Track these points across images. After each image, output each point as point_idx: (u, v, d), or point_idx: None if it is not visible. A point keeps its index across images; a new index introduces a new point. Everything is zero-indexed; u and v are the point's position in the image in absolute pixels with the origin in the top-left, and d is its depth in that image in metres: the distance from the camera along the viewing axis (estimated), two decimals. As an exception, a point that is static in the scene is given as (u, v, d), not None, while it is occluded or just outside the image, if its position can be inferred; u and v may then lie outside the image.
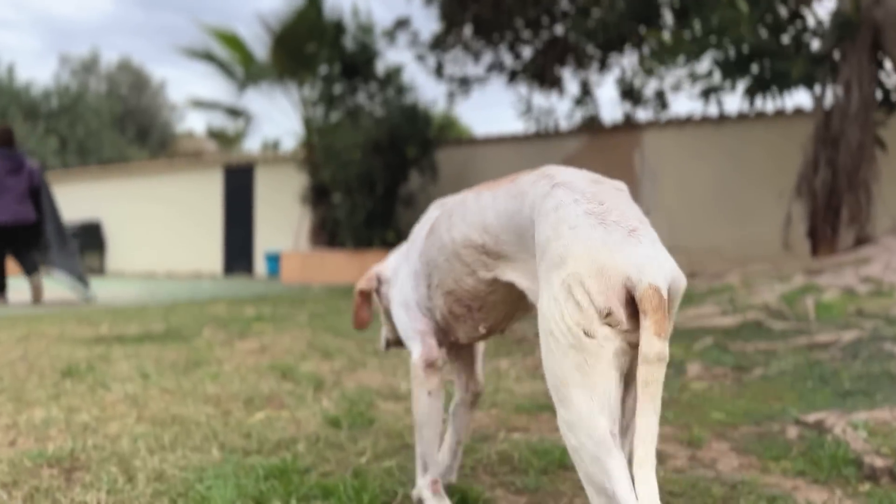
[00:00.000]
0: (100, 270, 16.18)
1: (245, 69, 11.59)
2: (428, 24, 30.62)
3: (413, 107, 11.20)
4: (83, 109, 31.76)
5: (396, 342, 1.77)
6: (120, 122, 35.41)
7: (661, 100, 11.01)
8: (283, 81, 11.76)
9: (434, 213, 1.57)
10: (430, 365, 1.49)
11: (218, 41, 11.19)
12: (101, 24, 66.30)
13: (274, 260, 13.56)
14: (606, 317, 0.94)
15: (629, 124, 11.35)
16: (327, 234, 11.85)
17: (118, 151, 31.80)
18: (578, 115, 12.04)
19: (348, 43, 11.78)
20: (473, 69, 12.29)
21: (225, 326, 4.75)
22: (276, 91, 11.90)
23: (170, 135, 40.79)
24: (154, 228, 15.76)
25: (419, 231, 1.59)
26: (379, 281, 1.75)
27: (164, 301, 7.19)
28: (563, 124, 12.15)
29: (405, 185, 11.39)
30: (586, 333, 0.94)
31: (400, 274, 1.62)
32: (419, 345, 1.52)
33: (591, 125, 11.66)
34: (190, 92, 42.45)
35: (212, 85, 36.36)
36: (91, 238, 16.10)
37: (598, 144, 11.56)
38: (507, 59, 12.18)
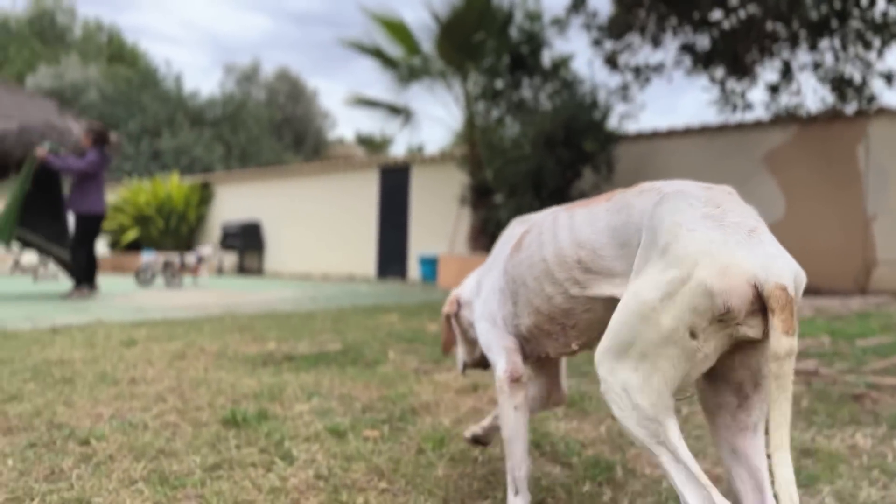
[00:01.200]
0: (258, 271, 16.29)
1: (409, 63, 10.94)
2: (603, 8, 29.13)
3: (589, 96, 10.04)
4: (245, 116, 33.17)
5: (474, 364, 1.82)
6: (277, 129, 36.82)
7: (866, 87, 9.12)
8: (446, 75, 11.01)
9: (517, 230, 1.59)
10: (515, 380, 1.51)
11: (383, 30, 10.61)
12: (260, 39, 70.36)
13: (428, 264, 12.86)
14: (721, 315, 0.98)
15: (851, 114, 9.53)
16: (488, 237, 10.95)
17: (276, 156, 32.93)
18: (777, 105, 10.35)
19: (514, 33, 10.84)
20: (653, 56, 10.95)
21: (410, 346, 3.87)
22: (437, 86, 11.18)
23: (322, 141, 42.10)
24: (310, 230, 15.62)
25: (501, 248, 1.62)
26: (458, 304, 1.78)
27: (327, 308, 6.52)
28: (761, 114, 10.50)
29: (577, 184, 10.24)
30: (692, 335, 1.00)
31: (483, 288, 1.64)
32: (504, 360, 1.53)
33: (798, 115, 9.94)
34: (350, 92, 43.36)
35: (363, 89, 37.01)
36: (251, 239, 16.24)
37: (808, 137, 9.84)
38: (698, 42, 10.70)
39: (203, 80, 67.68)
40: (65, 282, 10.67)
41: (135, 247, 16.81)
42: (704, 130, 10.60)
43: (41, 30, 37.17)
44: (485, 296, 1.62)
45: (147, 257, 11.17)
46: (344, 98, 11.35)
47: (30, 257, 11.58)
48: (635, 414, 1.04)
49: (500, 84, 10.93)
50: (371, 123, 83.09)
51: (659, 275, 1.03)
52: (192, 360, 3.32)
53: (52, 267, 11.17)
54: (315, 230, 15.51)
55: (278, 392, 2.62)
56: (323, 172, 15.75)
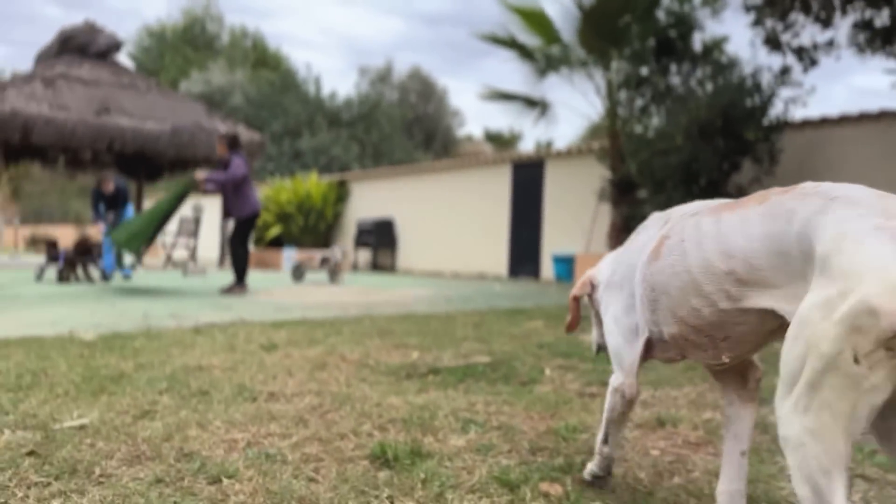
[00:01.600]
0: (391, 268, 16.38)
1: (546, 53, 10.45)
2: None
3: (750, 80, 9.11)
4: (378, 116, 33.85)
5: None
6: (409, 128, 37.35)
7: None
8: (587, 64, 10.41)
9: (653, 230, 1.50)
10: (629, 401, 1.53)
11: (520, 20, 10.18)
12: (393, 41, 72.02)
13: (563, 263, 12.30)
14: (890, 340, 0.90)
15: None
16: (630, 234, 10.24)
17: (407, 155, 33.37)
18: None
19: (661, 16, 10.06)
20: (821, 35, 9.78)
21: (567, 361, 3.43)
22: (577, 76, 10.61)
23: (451, 139, 42.31)
24: (441, 227, 15.49)
25: (636, 247, 1.53)
26: (592, 286, 1.73)
27: (465, 310, 6.20)
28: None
29: (734, 177, 9.33)
30: (856, 359, 0.92)
31: (613, 283, 1.58)
32: (623, 376, 1.52)
33: None
34: (482, 88, 43.42)
35: (492, 85, 36.83)
36: (384, 236, 16.34)
37: None
38: (875, 18, 9.45)
39: (340, 83, 70.19)
40: (213, 278, 11.07)
41: (276, 243, 17.41)
42: (882, 116, 9.35)
43: (192, 38, 39.82)
44: (614, 299, 1.57)
45: (308, 253, 11.38)
46: (478, 92, 11.02)
47: (181, 252, 12.15)
48: (806, 464, 0.95)
49: (644, 71, 10.20)
50: (500, 120, 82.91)
51: (820, 291, 0.97)
52: (332, 371, 3.06)
53: (202, 262, 11.64)
54: (446, 227, 15.36)
55: (429, 418, 2.27)
56: (455, 169, 15.55)
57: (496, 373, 3.11)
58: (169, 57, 38.24)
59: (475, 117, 78.63)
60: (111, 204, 9.89)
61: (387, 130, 33.67)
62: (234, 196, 7.75)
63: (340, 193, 18.07)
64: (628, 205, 10.29)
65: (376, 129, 32.11)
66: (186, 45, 39.16)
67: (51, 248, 9.63)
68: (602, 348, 1.80)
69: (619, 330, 1.53)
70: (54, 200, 34.28)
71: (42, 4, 66.64)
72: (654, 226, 1.52)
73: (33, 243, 26.44)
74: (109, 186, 9.75)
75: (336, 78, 69.82)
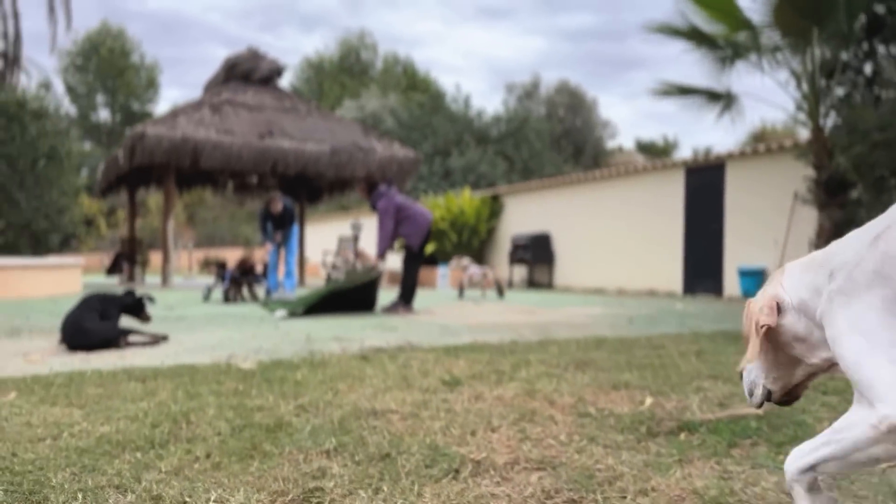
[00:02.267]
0: (548, 285, 15.48)
1: (731, 40, 9.20)
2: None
3: None
4: (527, 132, 33.17)
5: (784, 395, 1.41)
6: (557, 142, 36.36)
7: None
8: (780, 49, 9.05)
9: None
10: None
11: (699, 8, 9.03)
12: (535, 60, 71.54)
13: (751, 277, 10.82)
14: None
15: None
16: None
17: (556, 169, 32.38)
18: None
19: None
20: None
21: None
22: (766, 64, 9.26)
23: (602, 151, 40.74)
24: (604, 241, 14.38)
25: (874, 241, 1.18)
26: (779, 310, 1.33)
27: (656, 332, 5.22)
28: None
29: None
30: None
31: (851, 295, 1.17)
32: (887, 407, 1.10)
33: None
34: (663, 76, 41.99)
35: (636, 99, 35.06)
36: (541, 251, 15.49)
37: None
38: None
39: (486, 102, 70.72)
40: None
41: (431, 261, 17.05)
42: None
43: (348, 67, 41.42)
44: (863, 302, 1.15)
45: (473, 269, 10.89)
46: (650, 89, 9.90)
47: (338, 271, 12.02)
48: None
49: (844, 56, 8.70)
50: (652, 129, 79.60)
51: None
52: (545, 423, 2.27)
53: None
54: (609, 241, 14.22)
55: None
56: (617, 178, 14.42)
57: (778, 433, 2.17)
58: (327, 85, 39.91)
59: (625, 128, 76.07)
60: (278, 224, 9.87)
61: (536, 146, 32.90)
62: (403, 230, 7.52)
63: (494, 209, 17.46)
64: (839, 206, 8.76)
65: (525, 145, 31.47)
66: (343, 73, 40.74)
67: (219, 269, 9.73)
68: (771, 397, 1.42)
69: (875, 346, 1.15)
70: (225, 226, 36.61)
71: (213, 47, 72.76)
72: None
73: (205, 265, 28.14)
74: (277, 206, 9.73)
75: (482, 98, 70.37)
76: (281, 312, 6.98)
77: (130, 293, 4.81)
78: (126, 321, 4.88)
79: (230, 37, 71.98)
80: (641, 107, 79.57)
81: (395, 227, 7.47)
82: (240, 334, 5.24)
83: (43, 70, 38.44)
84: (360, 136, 15.16)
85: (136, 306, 4.77)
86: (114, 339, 4.42)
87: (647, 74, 77.64)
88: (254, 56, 15.74)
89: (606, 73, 73.44)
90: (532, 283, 15.47)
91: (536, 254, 15.43)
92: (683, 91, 9.80)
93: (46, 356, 4.05)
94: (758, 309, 1.34)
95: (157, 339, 4.70)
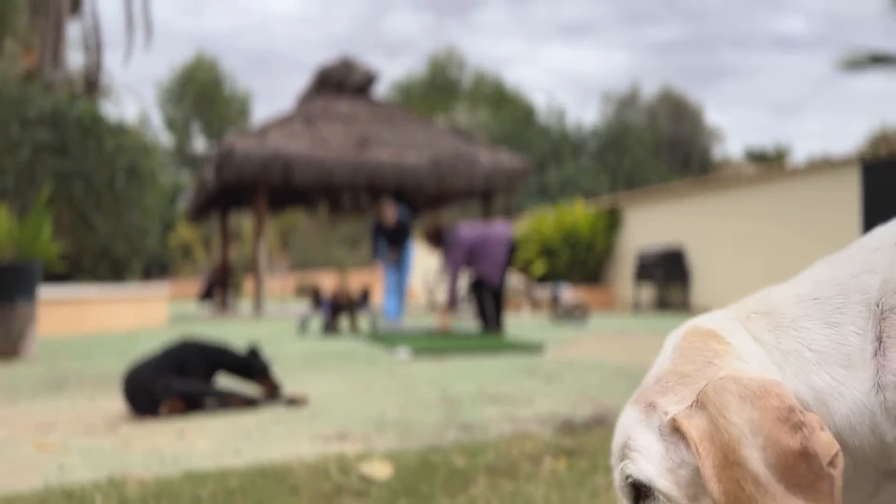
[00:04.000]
0: (683, 305, 13.43)
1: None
2: None
3: None
4: (629, 142, 31.12)
5: None
6: (660, 152, 33.98)
7: None
8: None
9: None
10: None
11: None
12: (622, 74, 69.08)
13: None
14: None
15: None
16: None
17: (661, 179, 30.07)
18: None
19: None
20: None
21: None
22: None
23: (708, 161, 37.93)
24: (753, 254, 12.25)
25: None
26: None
27: None
28: None
29: None
30: None
31: None
32: None
33: None
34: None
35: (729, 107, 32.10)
36: (673, 268, 13.48)
37: None
38: None
39: (579, 116, 68.85)
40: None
41: (543, 280, 15.31)
42: None
43: (436, 84, 40.54)
44: None
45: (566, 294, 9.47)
46: (838, 62, 7.90)
47: (442, 295, 10.54)
48: None
49: None
50: (763, 134, 75.28)
51: None
52: None
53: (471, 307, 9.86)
54: (761, 254, 12.09)
55: None
56: (768, 181, 12.31)
57: None
58: (415, 104, 39.19)
59: (735, 135, 72.40)
60: (392, 238, 8.45)
61: (638, 156, 30.75)
62: (477, 267, 7.06)
63: (611, 221, 15.57)
64: None
65: (627, 156, 29.40)
66: (432, 91, 39.90)
67: (315, 296, 8.35)
68: None
69: None
70: (318, 249, 36.11)
71: (302, 78, 74.09)
72: None
73: (300, 291, 27.38)
74: (389, 215, 8.31)
75: (574, 111, 68.55)
76: (404, 352, 5.44)
77: (254, 353, 3.37)
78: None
79: (315, 67, 73.22)
80: (737, 115, 75.38)
81: (471, 264, 7.07)
82: (348, 386, 3.75)
83: (140, 98, 39.44)
84: (462, 145, 13.72)
85: (253, 368, 3.33)
86: (188, 401, 3.07)
87: (737, 84, 73.72)
88: (346, 65, 14.65)
89: (696, 85, 70.26)
90: (663, 304, 13.48)
91: (668, 271, 13.44)
92: (880, 59, 7.78)
93: (76, 433, 2.68)
94: (791, 429, 0.68)
95: (256, 400, 3.27)
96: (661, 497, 0.73)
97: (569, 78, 72.95)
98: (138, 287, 9.28)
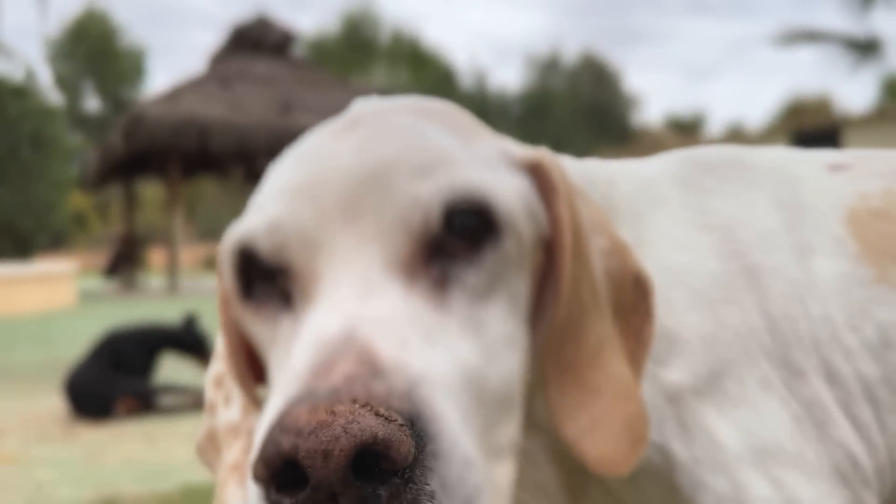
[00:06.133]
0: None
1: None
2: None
3: None
4: (552, 107, 31.42)
5: None
6: (582, 117, 34.51)
7: None
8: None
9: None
10: None
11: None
12: (539, 35, 69.71)
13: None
14: None
15: None
16: None
17: (586, 146, 30.71)
18: None
19: None
20: None
21: None
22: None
23: (627, 127, 38.84)
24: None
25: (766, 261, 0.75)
26: None
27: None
28: None
29: None
30: None
31: (731, 392, 0.70)
32: None
33: None
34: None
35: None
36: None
37: None
38: None
39: (497, 78, 69.10)
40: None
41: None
42: None
43: (351, 43, 39.49)
44: (770, 408, 0.69)
45: None
46: (775, 37, 8.03)
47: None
48: None
49: None
50: (681, 100, 77.97)
51: None
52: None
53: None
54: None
55: None
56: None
57: None
58: (330, 64, 38.17)
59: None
60: None
61: (562, 122, 31.14)
62: None
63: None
64: None
65: (551, 122, 29.73)
66: (348, 50, 38.81)
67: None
68: None
69: (823, 493, 0.68)
70: (228, 218, 34.65)
71: (200, 32, 70.47)
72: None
73: (210, 263, 26.27)
74: None
75: (495, 74, 68.77)
76: None
77: (191, 323, 3.18)
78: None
79: (217, 20, 69.85)
80: (654, 80, 77.86)
81: None
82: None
83: (27, 58, 36.35)
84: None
85: (193, 344, 3.15)
86: (143, 400, 3.08)
87: (654, 48, 76.04)
88: (262, 23, 13.80)
89: (614, 49, 72.00)
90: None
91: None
92: (812, 36, 7.97)
93: (32, 440, 2.52)
94: None
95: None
96: (510, 234, 0.55)
97: (487, 38, 72.92)
98: (45, 265, 8.45)
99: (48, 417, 3.02)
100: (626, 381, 0.62)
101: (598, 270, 0.62)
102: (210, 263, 25.33)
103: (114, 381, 2.99)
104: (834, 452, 0.71)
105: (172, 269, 11.76)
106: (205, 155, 12.28)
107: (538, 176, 0.60)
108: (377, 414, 0.43)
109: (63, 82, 39.92)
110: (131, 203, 15.12)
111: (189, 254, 24.81)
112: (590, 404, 0.60)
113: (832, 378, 0.73)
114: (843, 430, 0.72)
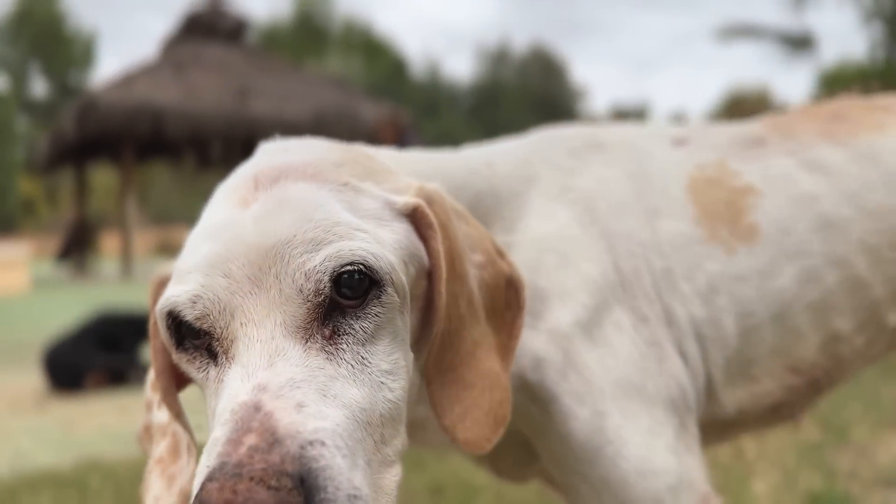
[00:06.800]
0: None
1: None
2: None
3: None
4: (501, 97, 31.73)
5: None
6: (530, 108, 34.99)
7: None
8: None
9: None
10: None
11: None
12: (489, 24, 69.77)
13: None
14: None
15: None
16: None
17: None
18: None
19: None
20: None
21: None
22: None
23: (574, 118, 39.54)
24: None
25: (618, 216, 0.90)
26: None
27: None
28: None
29: None
30: None
31: (599, 333, 0.83)
32: None
33: None
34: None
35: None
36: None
37: None
38: None
39: (448, 67, 68.87)
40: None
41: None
42: None
43: (304, 31, 39.04)
44: (604, 339, 0.82)
45: None
46: (716, 31, 8.48)
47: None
48: None
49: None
50: (624, 92, 78.91)
51: None
52: None
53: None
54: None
55: None
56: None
57: None
58: (283, 52, 37.64)
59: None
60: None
61: (512, 112, 31.51)
62: None
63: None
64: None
65: (501, 112, 30.07)
66: (301, 39, 38.39)
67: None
68: None
69: (657, 423, 0.81)
70: (179, 204, 34.17)
71: (148, 18, 68.71)
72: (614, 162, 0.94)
73: (162, 249, 25.94)
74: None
75: (446, 62, 68.55)
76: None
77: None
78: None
79: (167, 5, 68.09)
80: (601, 72, 78.73)
81: None
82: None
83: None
84: (344, 98, 13.44)
85: None
86: (113, 374, 3.05)
87: (601, 40, 76.87)
88: (215, 9, 13.77)
89: (562, 40, 72.53)
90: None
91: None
92: (750, 31, 8.43)
93: (4, 413, 2.59)
94: None
95: None
96: (389, 284, 0.65)
97: (438, 26, 72.70)
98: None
99: (21, 392, 3.05)
100: (494, 373, 0.72)
101: (473, 284, 0.73)
102: (164, 248, 25.05)
103: (89, 355, 3.09)
104: (669, 384, 0.84)
105: (126, 255, 11.78)
106: (158, 140, 12.28)
107: (417, 219, 0.70)
108: (268, 487, 0.52)
109: (8, 66, 38.62)
110: (83, 188, 14.98)
111: (142, 239, 24.50)
112: (463, 397, 0.71)
113: (670, 321, 0.87)
114: (676, 365, 0.86)
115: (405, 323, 0.68)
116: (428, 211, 0.70)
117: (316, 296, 0.63)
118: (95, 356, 3.11)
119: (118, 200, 12.06)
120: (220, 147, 14.27)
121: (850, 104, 1.03)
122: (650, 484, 0.79)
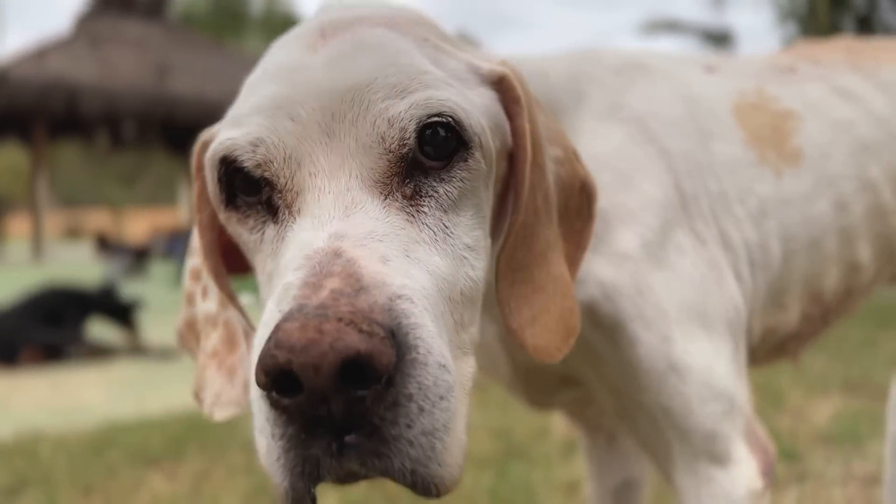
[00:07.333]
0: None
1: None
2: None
3: None
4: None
5: None
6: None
7: None
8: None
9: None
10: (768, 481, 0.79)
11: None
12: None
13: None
14: None
15: None
16: None
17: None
18: None
19: None
20: None
21: None
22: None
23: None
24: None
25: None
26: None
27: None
28: None
29: None
30: None
31: (661, 260, 0.79)
32: (747, 447, 0.80)
33: None
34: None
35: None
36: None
37: None
38: None
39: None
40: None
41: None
42: None
43: (222, 13, 37.84)
44: (669, 264, 0.79)
45: None
46: (638, 26, 8.83)
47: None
48: None
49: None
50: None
51: None
52: None
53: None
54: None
55: None
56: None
57: None
58: (201, 30, 36.37)
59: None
60: None
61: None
62: None
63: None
64: None
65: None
66: (218, 20, 37.19)
67: (101, 242, 7.67)
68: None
69: (717, 347, 0.80)
70: (87, 185, 32.67)
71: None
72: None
73: (70, 233, 24.82)
74: None
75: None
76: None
77: (108, 293, 3.33)
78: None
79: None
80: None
81: None
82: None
83: None
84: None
85: (116, 310, 3.31)
86: (48, 350, 3.01)
87: (520, 36, 77.95)
88: (133, -18, 13.28)
89: (485, 35, 73.29)
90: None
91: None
92: (672, 26, 8.87)
93: None
94: None
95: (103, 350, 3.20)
96: (478, 148, 0.59)
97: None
98: None
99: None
100: (564, 280, 0.66)
101: (551, 179, 0.66)
102: (74, 232, 24.02)
103: (25, 329, 3.01)
104: (728, 307, 0.83)
105: (37, 237, 11.29)
106: (72, 118, 11.78)
107: (503, 89, 0.63)
108: (360, 330, 0.45)
109: None
110: (-13, 167, 14.20)
111: (51, 221, 23.39)
112: (532, 300, 0.65)
113: (726, 244, 0.86)
114: (733, 288, 0.84)
115: (489, 198, 0.62)
116: (516, 83, 0.64)
117: (400, 146, 0.56)
118: (32, 331, 3.04)
119: (28, 181, 11.50)
120: (136, 127, 13.80)
121: (858, 43, 1.03)
122: (710, 410, 0.79)
